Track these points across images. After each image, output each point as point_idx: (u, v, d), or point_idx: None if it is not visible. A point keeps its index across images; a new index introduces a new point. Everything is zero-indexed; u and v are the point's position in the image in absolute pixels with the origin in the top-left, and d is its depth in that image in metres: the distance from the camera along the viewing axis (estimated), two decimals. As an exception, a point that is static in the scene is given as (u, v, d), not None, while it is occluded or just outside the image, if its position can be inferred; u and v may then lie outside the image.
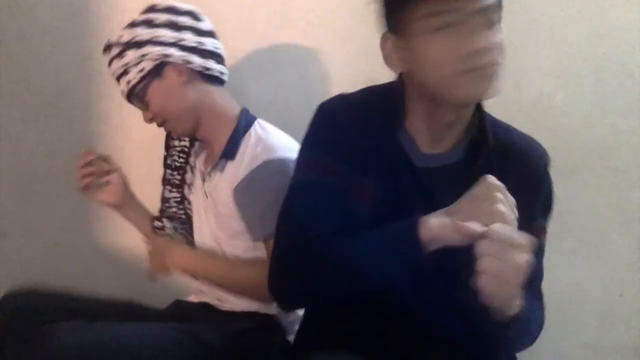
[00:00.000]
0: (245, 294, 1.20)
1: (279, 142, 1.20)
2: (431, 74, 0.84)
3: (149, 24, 1.19)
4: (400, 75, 0.95)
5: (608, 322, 1.59)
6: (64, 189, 1.59)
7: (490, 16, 0.82)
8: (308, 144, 0.97)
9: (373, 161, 0.93)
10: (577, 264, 1.59)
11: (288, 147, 1.19)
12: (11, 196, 1.64)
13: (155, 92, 1.22)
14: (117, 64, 1.20)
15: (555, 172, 1.57)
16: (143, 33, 1.18)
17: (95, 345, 1.01)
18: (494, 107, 1.55)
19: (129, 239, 1.53)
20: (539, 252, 0.94)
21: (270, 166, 1.15)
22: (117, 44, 1.20)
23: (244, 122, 1.24)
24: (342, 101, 0.98)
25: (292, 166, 1.06)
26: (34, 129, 1.60)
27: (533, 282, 0.89)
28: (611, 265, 1.58)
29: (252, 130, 1.24)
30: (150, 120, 1.26)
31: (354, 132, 0.93)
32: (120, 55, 1.20)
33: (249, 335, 1.17)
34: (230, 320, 1.20)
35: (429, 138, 0.93)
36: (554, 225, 1.60)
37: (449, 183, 0.91)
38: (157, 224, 1.37)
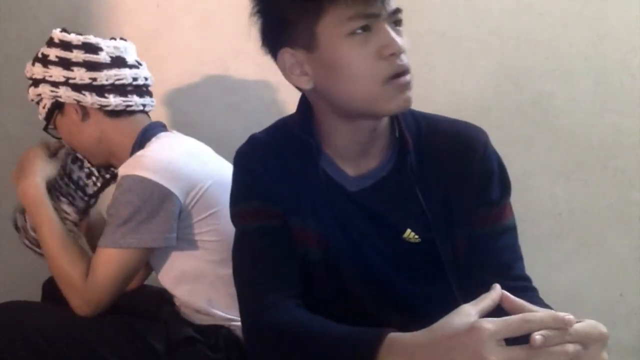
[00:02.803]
0: (57, 280, 1.15)
1: (146, 160, 1.12)
2: (348, 85, 0.80)
3: (44, 61, 1.19)
4: (305, 98, 0.91)
5: (608, 322, 1.59)
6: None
7: (395, 17, 0.81)
8: (238, 197, 0.93)
9: (306, 202, 0.89)
10: (577, 264, 1.59)
11: (153, 167, 1.11)
12: (11, 196, 1.63)
13: (61, 127, 1.25)
14: (28, 97, 1.23)
15: (556, 172, 1.58)
16: (38, 71, 1.19)
17: (37, 325, 1.08)
18: (494, 107, 1.56)
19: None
20: (512, 232, 0.91)
21: (123, 182, 1.10)
22: (26, 77, 1.22)
23: (139, 143, 1.20)
24: (255, 145, 0.93)
25: (149, 187, 1.08)
26: (34, 129, 1.60)
27: (515, 265, 0.88)
28: (611, 265, 1.58)
29: (147, 145, 1.19)
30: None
31: (276, 176, 0.89)
32: (28, 90, 1.23)
33: (196, 345, 1.13)
34: (182, 326, 1.17)
35: (355, 156, 0.89)
36: (554, 225, 1.62)
37: (387, 196, 0.89)
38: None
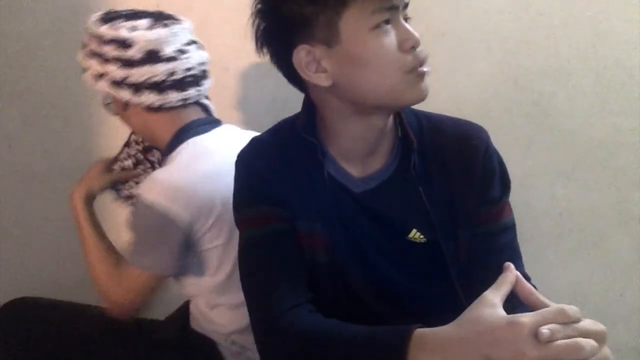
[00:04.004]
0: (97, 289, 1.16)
1: (158, 185, 1.07)
2: (373, 77, 0.80)
3: (84, 50, 1.16)
4: (308, 99, 0.91)
5: (608, 322, 1.59)
6: (64, 189, 1.59)
7: (404, 13, 0.83)
8: (243, 202, 0.91)
9: (312, 205, 0.88)
10: (577, 264, 1.59)
11: (164, 192, 1.06)
12: (11, 196, 1.64)
13: (116, 110, 1.23)
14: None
15: (556, 172, 1.58)
16: (81, 60, 1.16)
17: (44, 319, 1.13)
18: (494, 107, 1.56)
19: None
20: (512, 230, 0.92)
21: (140, 203, 1.08)
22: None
23: (171, 144, 1.16)
24: (258, 148, 0.92)
25: (156, 214, 1.04)
26: (34, 129, 1.60)
27: (515, 263, 0.88)
28: (611, 265, 1.58)
29: (173, 154, 1.15)
30: None
31: (281, 179, 0.88)
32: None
33: (168, 350, 1.14)
34: (171, 330, 1.20)
35: (362, 156, 0.89)
36: (554, 225, 1.62)
37: (392, 197, 0.89)
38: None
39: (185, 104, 1.16)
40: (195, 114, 1.19)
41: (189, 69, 1.15)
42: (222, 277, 1.15)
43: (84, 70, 1.16)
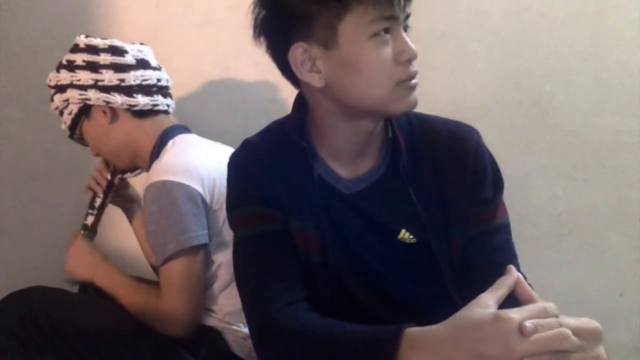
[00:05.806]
0: (138, 317, 1.16)
1: (163, 165, 1.14)
2: (364, 85, 0.80)
3: (70, 66, 1.21)
4: (301, 99, 0.91)
5: (608, 322, 1.59)
6: (64, 188, 1.59)
7: (405, 23, 0.82)
8: (237, 203, 0.91)
9: (303, 206, 0.89)
10: (577, 264, 1.59)
11: (171, 169, 1.13)
12: (11, 196, 1.64)
13: (88, 132, 1.26)
14: (52, 106, 1.25)
15: (556, 172, 1.58)
16: (65, 77, 1.21)
17: (47, 309, 1.12)
18: (494, 107, 1.56)
19: (128, 239, 1.53)
20: (506, 230, 0.91)
21: (150, 191, 1.11)
22: (48, 86, 1.24)
23: (158, 146, 1.22)
24: (249, 150, 0.92)
25: (172, 188, 1.09)
26: (34, 129, 1.60)
27: (510, 263, 0.89)
28: (611, 265, 1.58)
29: (167, 147, 1.21)
30: (95, 155, 1.31)
31: (273, 180, 0.89)
32: (51, 98, 1.25)
33: (175, 344, 1.14)
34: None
35: (351, 157, 0.89)
36: (554, 225, 1.62)
37: (381, 198, 0.89)
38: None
39: (167, 110, 1.29)
40: (172, 121, 1.29)
41: (167, 80, 1.29)
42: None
43: (64, 87, 1.20)
